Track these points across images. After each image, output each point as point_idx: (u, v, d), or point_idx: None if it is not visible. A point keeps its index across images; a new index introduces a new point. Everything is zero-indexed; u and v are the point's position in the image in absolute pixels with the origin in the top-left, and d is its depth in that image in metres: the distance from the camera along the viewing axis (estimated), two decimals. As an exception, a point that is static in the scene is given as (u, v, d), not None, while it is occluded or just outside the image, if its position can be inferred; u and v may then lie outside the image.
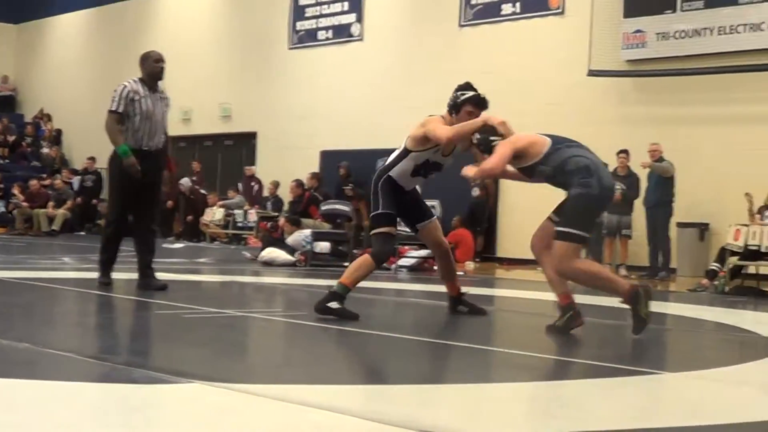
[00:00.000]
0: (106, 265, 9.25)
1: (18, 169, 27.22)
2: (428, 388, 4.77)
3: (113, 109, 8.92)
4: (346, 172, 19.57)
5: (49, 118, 29.38)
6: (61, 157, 27.99)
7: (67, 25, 29.64)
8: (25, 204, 24.03)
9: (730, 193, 15.10)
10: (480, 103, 7.48)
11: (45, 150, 28.31)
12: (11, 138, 28.26)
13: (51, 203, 23.80)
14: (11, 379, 4.45)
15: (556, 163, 6.86)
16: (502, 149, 6.90)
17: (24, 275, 10.26)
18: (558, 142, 7.04)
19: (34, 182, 24.29)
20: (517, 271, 16.38)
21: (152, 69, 9.12)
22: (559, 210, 7.14)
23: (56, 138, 28.91)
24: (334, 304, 7.09)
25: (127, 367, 4.86)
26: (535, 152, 6.90)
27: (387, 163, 7.60)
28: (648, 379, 5.31)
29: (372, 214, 7.59)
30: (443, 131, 7.25)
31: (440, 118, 7.54)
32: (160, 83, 9.27)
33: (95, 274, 9.35)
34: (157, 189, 9.29)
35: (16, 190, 24.63)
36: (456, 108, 7.51)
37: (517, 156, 6.96)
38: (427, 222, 7.81)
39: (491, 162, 6.89)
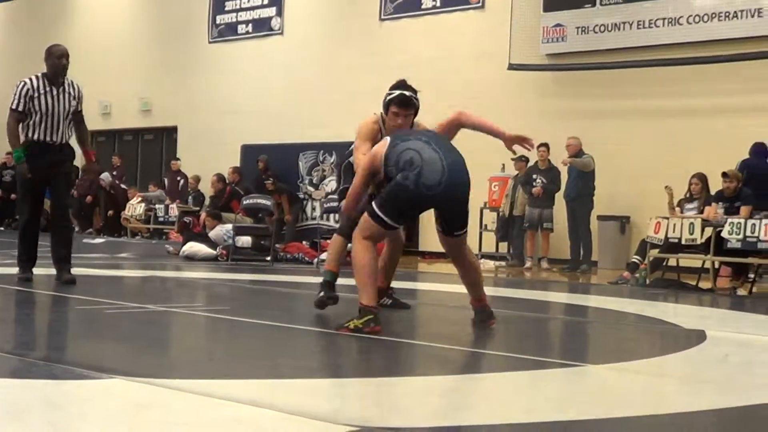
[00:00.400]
0: (24, 261, 9.25)
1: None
2: (349, 382, 4.78)
3: (13, 107, 9.00)
4: (264, 165, 19.48)
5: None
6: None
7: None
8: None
9: (650, 186, 15.31)
10: (402, 103, 7.19)
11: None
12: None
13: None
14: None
15: (393, 162, 6.51)
16: (355, 182, 6.92)
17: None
18: (396, 138, 6.67)
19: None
20: (439, 265, 16.45)
21: (55, 65, 9.07)
22: None
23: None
24: (323, 293, 7.46)
25: (46, 362, 4.80)
26: (379, 161, 6.61)
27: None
28: (570, 371, 5.37)
29: (339, 189, 7.93)
30: (358, 166, 7.01)
31: (371, 123, 7.36)
32: (70, 79, 9.21)
33: (15, 270, 9.22)
34: (64, 181, 9.32)
35: None
36: (384, 108, 7.32)
37: (374, 174, 6.73)
38: None
39: (347, 203, 7.05)
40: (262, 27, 21.94)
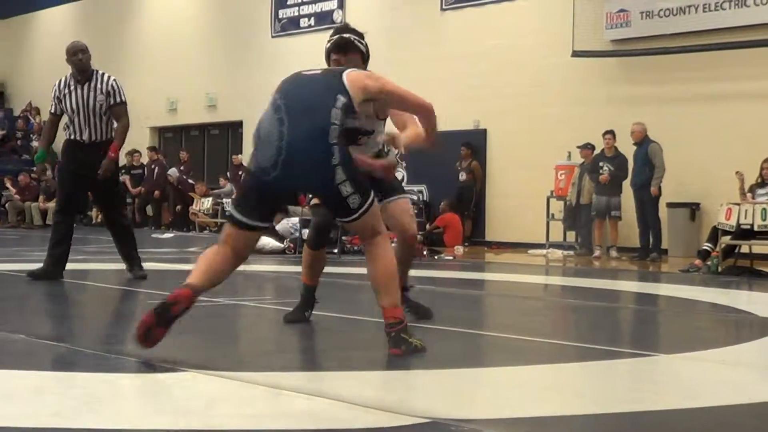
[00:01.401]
0: (48, 257, 9.02)
1: (9, 163, 27.19)
2: (418, 373, 4.76)
3: (50, 110, 9.18)
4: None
5: (37, 111, 29.29)
6: (51, 150, 27.89)
7: (53, 19, 29.54)
8: (17, 197, 24.02)
9: (720, 172, 15.11)
10: (339, 47, 6.20)
11: (35, 143, 28.24)
12: (1, 132, 28.19)
13: (42, 196, 23.78)
14: (6, 369, 4.44)
15: None
16: None
17: (17, 267, 10.23)
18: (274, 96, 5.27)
19: (23, 176, 24.23)
20: (507, 255, 16.39)
21: (72, 63, 8.99)
22: None
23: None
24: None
25: (120, 356, 4.85)
26: None
27: None
28: (642, 361, 5.30)
29: None
30: None
31: None
32: (101, 73, 9.04)
33: (86, 266, 9.35)
34: (105, 180, 9.00)
35: (8, 184, 24.62)
36: (326, 60, 6.39)
37: None
38: (396, 198, 6.34)
39: None
40: (324, 20, 21.97)
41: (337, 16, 21.65)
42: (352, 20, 21.37)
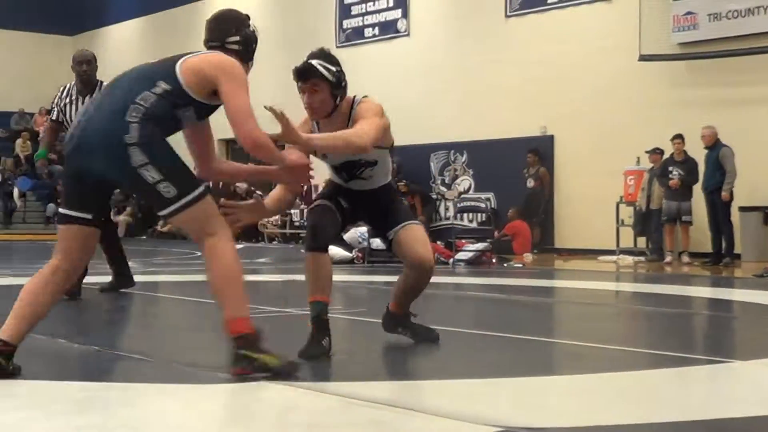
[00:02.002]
0: None
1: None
2: (491, 382, 4.73)
3: (50, 116, 8.96)
4: (397, 168, 19.54)
5: (103, 126, 29.72)
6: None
7: (120, 34, 29.93)
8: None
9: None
10: (300, 74, 5.70)
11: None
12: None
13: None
14: (79, 381, 4.49)
15: None
16: None
17: (89, 280, 10.35)
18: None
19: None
20: (576, 262, 16.27)
21: (75, 72, 8.75)
22: None
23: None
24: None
25: (191, 367, 4.88)
26: None
27: None
28: (717, 368, 5.22)
29: None
30: None
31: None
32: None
33: (156, 278, 9.42)
34: None
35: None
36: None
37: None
38: (404, 225, 5.62)
39: None
40: (389, 29, 22.01)
41: (402, 26, 21.68)
42: (417, 29, 21.48)
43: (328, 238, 5.51)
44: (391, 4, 21.93)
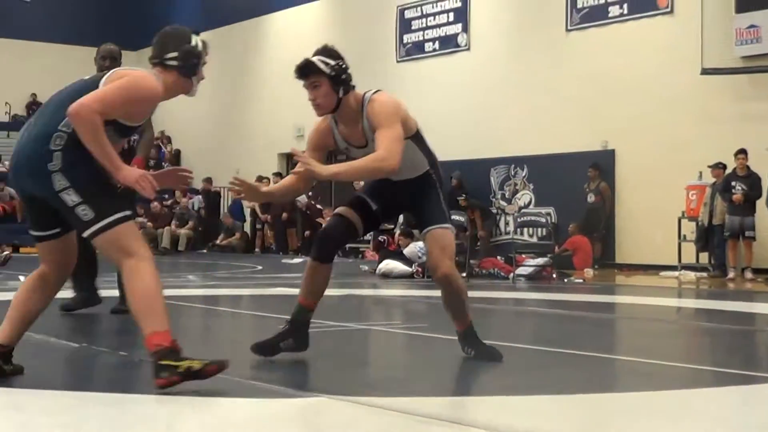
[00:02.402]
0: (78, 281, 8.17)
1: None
2: (554, 399, 4.71)
3: None
4: (458, 183, 19.55)
5: (169, 140, 30.01)
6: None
7: (180, 49, 30.26)
8: (150, 224, 24.67)
9: None
10: (299, 72, 5.55)
11: (167, 171, 28.95)
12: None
13: (174, 222, 24.35)
14: (145, 395, 4.54)
15: None
16: None
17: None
18: None
19: (155, 204, 24.84)
20: (638, 277, 16.15)
21: (97, 67, 8.21)
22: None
23: (176, 159, 29.52)
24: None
25: (252, 381, 4.91)
26: None
27: None
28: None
29: None
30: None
31: (318, 125, 5.87)
32: None
33: (218, 291, 9.47)
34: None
35: (140, 211, 25.28)
36: None
37: None
38: (432, 229, 5.59)
39: None
40: (449, 44, 22.03)
41: (462, 40, 21.68)
42: (477, 43, 21.47)
43: (331, 250, 5.62)
44: (451, 19, 21.95)
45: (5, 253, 15.38)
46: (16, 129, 27.47)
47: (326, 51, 5.58)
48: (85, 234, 4.57)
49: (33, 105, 30.05)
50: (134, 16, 30.83)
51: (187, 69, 4.91)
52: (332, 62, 5.50)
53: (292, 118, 24.77)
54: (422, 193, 5.61)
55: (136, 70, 4.77)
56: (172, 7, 30.75)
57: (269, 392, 4.63)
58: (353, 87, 5.54)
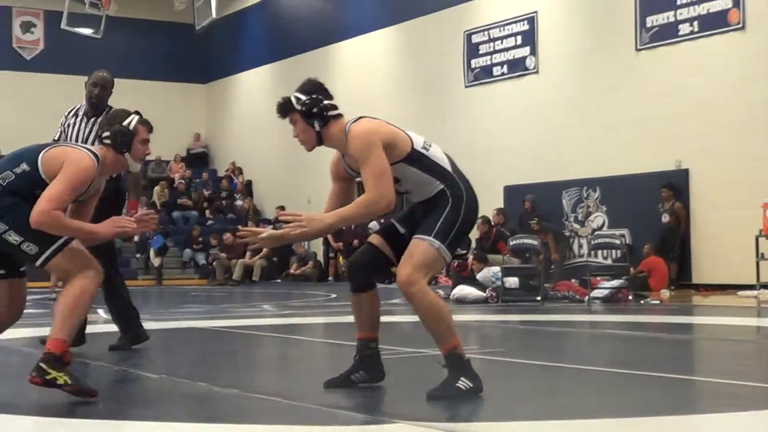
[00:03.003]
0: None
1: (215, 222, 28.21)
2: (636, 422, 4.66)
3: (53, 137, 8.12)
4: (530, 206, 19.48)
5: (240, 171, 30.30)
6: (254, 208, 28.79)
7: (250, 81, 30.56)
8: (223, 255, 24.91)
9: None
10: (277, 111, 5.55)
11: (239, 202, 29.20)
12: (207, 193, 29.28)
13: (248, 253, 24.54)
14: (222, 424, 4.57)
15: None
16: None
17: (228, 324, 10.56)
18: None
19: (228, 235, 25.08)
20: (715, 297, 15.92)
21: (86, 93, 8.02)
22: None
23: (248, 190, 29.78)
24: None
25: (332, 409, 4.93)
26: None
27: None
28: None
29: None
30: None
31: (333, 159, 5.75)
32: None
33: (293, 320, 9.52)
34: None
35: (214, 242, 25.56)
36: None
37: None
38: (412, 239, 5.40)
39: None
40: (517, 67, 21.99)
41: (530, 63, 21.63)
42: (546, 65, 21.39)
43: (361, 279, 5.59)
44: (519, 42, 21.92)
45: None
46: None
47: (302, 86, 5.55)
48: (37, 264, 5.22)
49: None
50: (203, 51, 31.24)
51: (117, 146, 5.44)
52: (303, 97, 5.43)
53: (362, 145, 24.91)
54: (429, 208, 5.45)
55: (71, 150, 5.37)
56: (239, 40, 31.09)
57: (349, 419, 4.64)
58: (333, 117, 5.42)
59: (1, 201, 5.18)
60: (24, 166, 5.25)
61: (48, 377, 5.06)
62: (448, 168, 5.53)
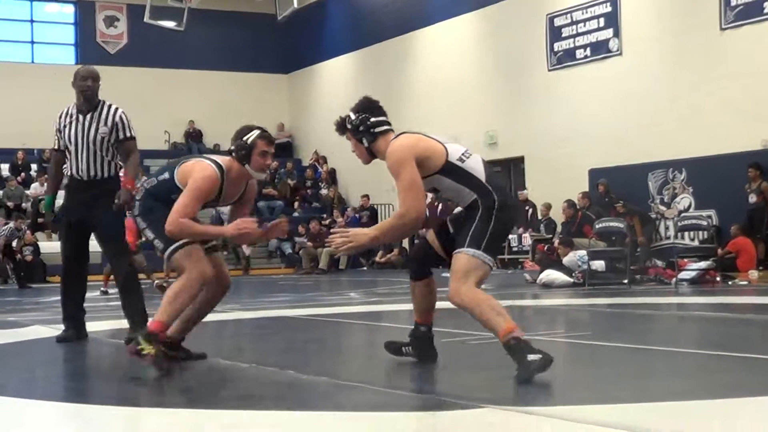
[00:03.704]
0: (65, 319, 8.04)
1: (301, 211, 28.41)
2: (724, 403, 4.63)
3: (53, 146, 8.06)
4: (604, 189, 19.41)
5: (324, 160, 30.48)
6: (339, 197, 28.95)
7: (332, 70, 30.69)
8: (309, 244, 25.10)
9: None
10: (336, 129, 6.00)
11: (323, 191, 29.39)
12: (292, 182, 29.51)
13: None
14: (310, 411, 4.65)
15: None
16: None
17: (315, 312, 10.66)
18: None
19: (314, 223, 25.25)
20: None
21: (78, 88, 7.87)
22: None
23: (332, 178, 29.95)
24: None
25: (418, 394, 4.98)
26: None
27: None
28: None
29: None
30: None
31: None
32: (109, 104, 7.94)
33: (379, 307, 9.58)
34: (101, 223, 7.78)
35: (301, 231, 25.71)
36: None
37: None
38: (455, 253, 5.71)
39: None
40: (600, 50, 21.79)
41: (614, 45, 21.43)
42: (629, 47, 21.17)
43: (416, 269, 6.07)
44: (602, 24, 21.73)
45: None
46: (176, 157, 28.25)
47: (355, 105, 5.91)
48: (165, 257, 6.20)
49: (191, 133, 30.91)
50: (286, 42, 31.45)
51: (240, 158, 6.09)
52: (353, 116, 5.83)
53: (444, 132, 24.89)
54: (465, 217, 5.73)
55: (198, 163, 6.11)
56: (321, 30, 31.22)
57: (437, 404, 4.69)
58: (381, 133, 5.80)
59: (146, 203, 6.17)
60: (165, 175, 6.15)
61: (139, 347, 5.81)
62: (483, 179, 5.71)
